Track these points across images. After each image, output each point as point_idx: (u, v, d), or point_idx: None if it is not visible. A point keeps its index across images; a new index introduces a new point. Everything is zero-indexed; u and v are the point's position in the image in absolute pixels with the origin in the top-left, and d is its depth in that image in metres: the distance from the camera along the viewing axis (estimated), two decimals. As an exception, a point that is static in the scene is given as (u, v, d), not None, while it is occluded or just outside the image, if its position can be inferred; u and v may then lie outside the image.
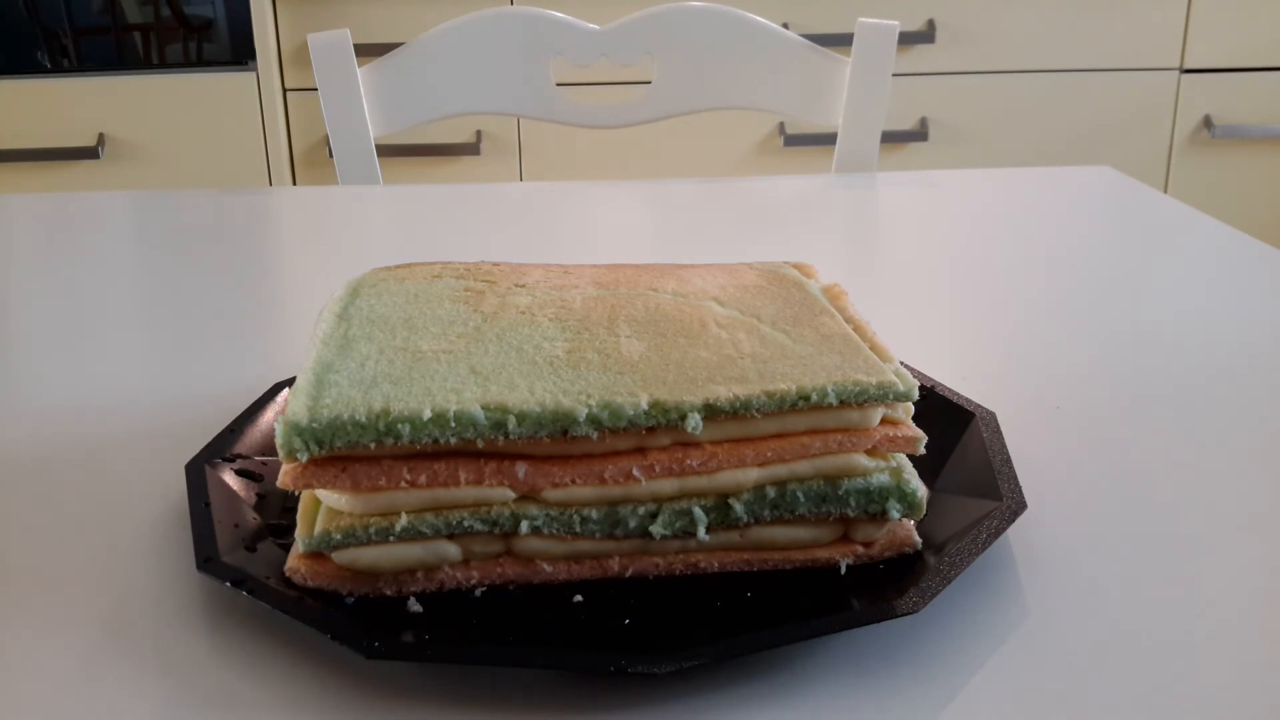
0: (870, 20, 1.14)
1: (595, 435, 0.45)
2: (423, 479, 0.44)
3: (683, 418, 0.45)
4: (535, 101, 1.20)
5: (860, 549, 0.48)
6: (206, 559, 0.46)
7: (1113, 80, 1.91)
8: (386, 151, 1.81)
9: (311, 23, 1.84)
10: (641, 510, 0.46)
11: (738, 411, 0.45)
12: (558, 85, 1.19)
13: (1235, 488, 0.55)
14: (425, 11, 1.79)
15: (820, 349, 0.50)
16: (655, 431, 0.45)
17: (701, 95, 1.21)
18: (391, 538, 0.45)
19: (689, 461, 0.45)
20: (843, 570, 0.47)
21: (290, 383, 0.60)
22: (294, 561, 0.46)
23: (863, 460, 0.47)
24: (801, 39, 1.18)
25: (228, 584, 0.44)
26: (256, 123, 1.86)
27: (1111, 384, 0.66)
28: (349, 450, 0.44)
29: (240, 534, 0.48)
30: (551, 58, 1.18)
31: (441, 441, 0.44)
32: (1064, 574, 0.48)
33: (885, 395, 0.46)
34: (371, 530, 0.45)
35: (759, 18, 1.18)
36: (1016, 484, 0.50)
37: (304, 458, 0.44)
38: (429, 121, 1.19)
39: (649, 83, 1.20)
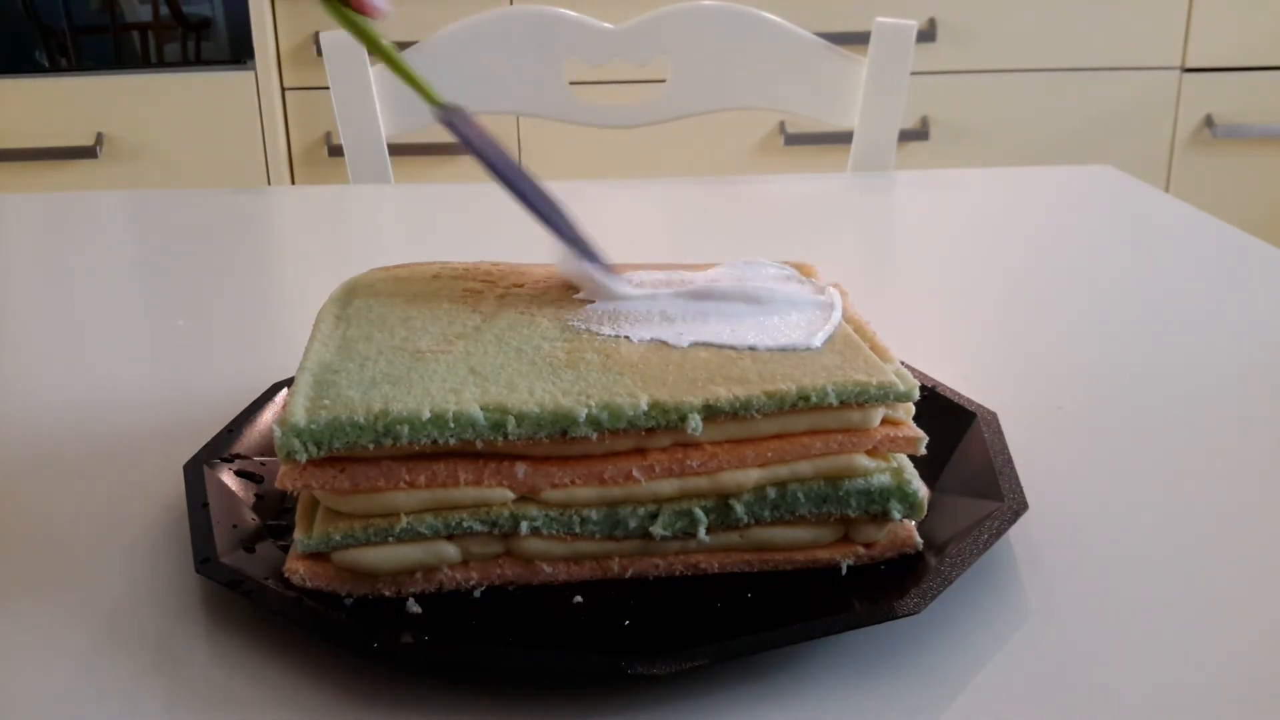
0: (887, 20, 1.14)
1: (595, 436, 0.44)
2: (422, 480, 0.44)
3: (683, 418, 0.45)
4: (549, 101, 1.20)
5: (861, 550, 0.48)
6: (205, 560, 0.46)
7: (1114, 79, 1.91)
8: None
9: (310, 22, 1.83)
10: (642, 511, 0.46)
11: (738, 412, 0.45)
12: (571, 84, 1.19)
13: (1237, 487, 0.54)
14: (429, 11, 1.78)
15: (820, 349, 0.50)
16: (655, 432, 0.45)
17: (716, 95, 1.21)
18: (390, 539, 0.45)
19: (689, 462, 0.45)
20: (843, 571, 0.47)
21: (289, 383, 0.60)
22: (293, 562, 0.45)
23: (863, 461, 0.47)
24: (817, 38, 1.17)
25: (226, 585, 0.44)
26: (255, 122, 1.85)
27: (1113, 383, 0.66)
28: (348, 451, 0.44)
29: (239, 534, 0.48)
30: (565, 57, 1.18)
31: (441, 442, 0.44)
32: (1065, 575, 0.48)
33: (886, 395, 0.46)
34: (370, 531, 0.45)
35: (774, 16, 1.18)
36: (1018, 484, 0.50)
37: (303, 459, 0.44)
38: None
39: (663, 81, 1.20)
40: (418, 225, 1.02)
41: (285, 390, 0.59)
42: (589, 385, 0.46)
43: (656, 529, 0.46)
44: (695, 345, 0.49)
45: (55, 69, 1.85)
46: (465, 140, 0.57)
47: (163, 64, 1.86)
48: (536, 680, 0.42)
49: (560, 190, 0.58)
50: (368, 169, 1.19)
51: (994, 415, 0.56)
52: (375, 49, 0.58)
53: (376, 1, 0.57)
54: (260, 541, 0.48)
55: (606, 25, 1.17)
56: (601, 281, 0.54)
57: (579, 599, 0.46)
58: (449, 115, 0.57)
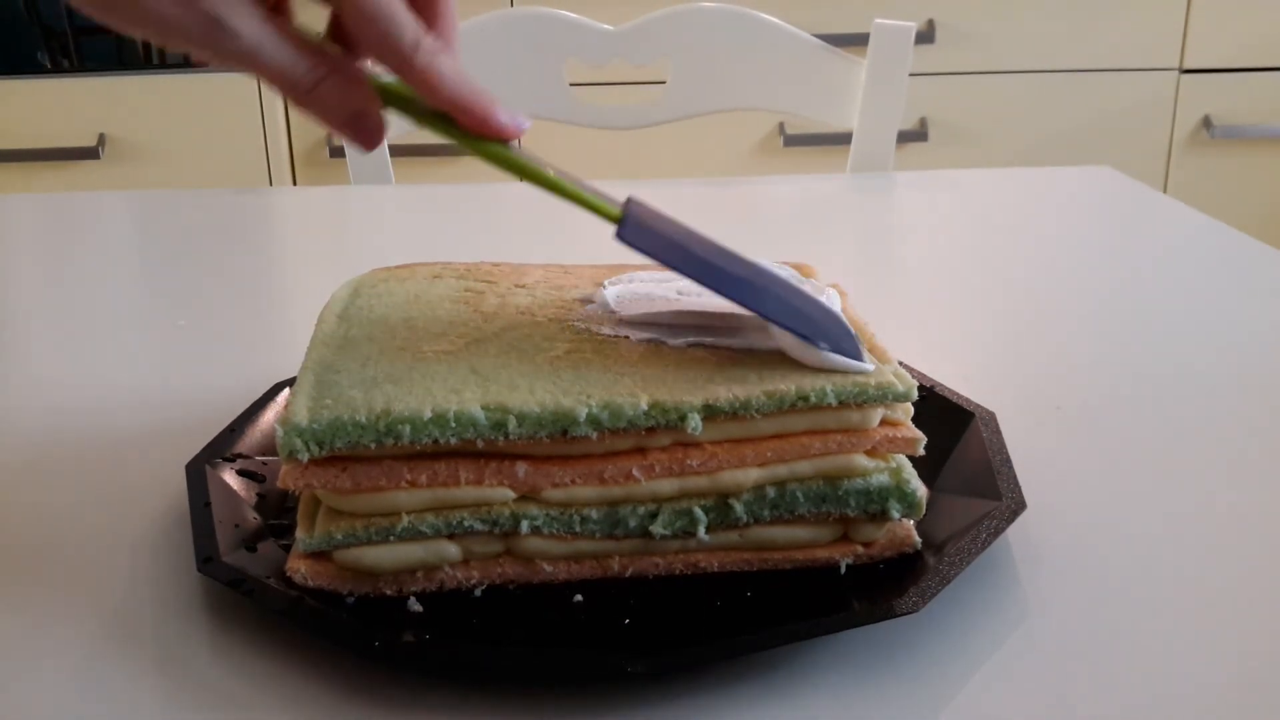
0: (886, 21, 1.14)
1: (595, 435, 0.45)
2: (423, 479, 0.44)
3: (682, 418, 0.45)
4: (549, 102, 1.20)
5: (860, 549, 0.48)
6: (206, 559, 0.46)
7: (1112, 80, 1.91)
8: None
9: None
10: (642, 510, 0.46)
11: (737, 412, 0.45)
12: (571, 86, 1.19)
13: (1235, 487, 0.55)
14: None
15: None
16: (655, 432, 0.45)
17: (716, 96, 1.21)
18: (392, 538, 0.45)
19: (689, 462, 0.45)
20: (842, 570, 0.47)
21: (291, 382, 0.60)
22: (294, 561, 0.46)
23: (862, 461, 0.47)
24: (816, 39, 1.18)
25: (228, 584, 0.44)
26: (257, 123, 1.85)
27: (1111, 383, 0.66)
28: (349, 450, 0.44)
29: (241, 534, 0.48)
30: (565, 58, 1.18)
31: (442, 442, 0.44)
32: (1064, 574, 0.48)
33: (884, 396, 0.46)
34: (372, 530, 0.45)
35: (773, 18, 1.18)
36: (1016, 484, 0.50)
37: (304, 458, 0.44)
38: None
39: (663, 82, 1.20)
40: (419, 226, 1.02)
41: (287, 390, 0.59)
42: (589, 385, 0.46)
43: (656, 528, 0.46)
44: (695, 345, 0.50)
45: (57, 70, 1.85)
46: (650, 250, 0.47)
47: (165, 65, 1.86)
48: (536, 679, 0.42)
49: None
50: (369, 170, 1.19)
51: (992, 415, 0.56)
52: (533, 178, 0.46)
53: (509, 120, 0.44)
54: (262, 541, 0.48)
55: (606, 26, 1.17)
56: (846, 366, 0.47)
57: (579, 598, 0.46)
58: (628, 225, 0.46)
